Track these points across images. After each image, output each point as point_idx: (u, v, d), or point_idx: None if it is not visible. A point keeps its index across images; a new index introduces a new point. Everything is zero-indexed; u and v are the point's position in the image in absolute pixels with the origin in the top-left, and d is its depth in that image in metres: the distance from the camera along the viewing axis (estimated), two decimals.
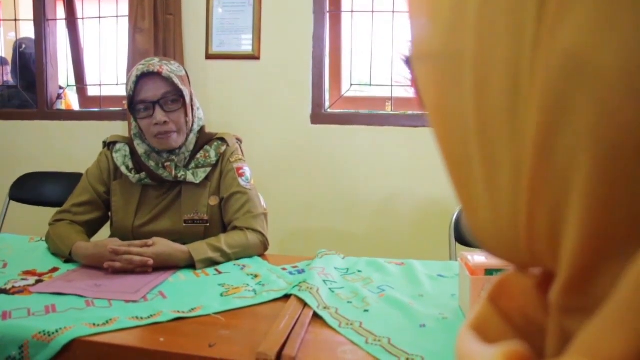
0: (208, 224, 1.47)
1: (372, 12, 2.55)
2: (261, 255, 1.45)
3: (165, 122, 1.39)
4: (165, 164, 1.45)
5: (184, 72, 1.48)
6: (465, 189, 0.25)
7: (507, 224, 0.23)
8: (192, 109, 1.49)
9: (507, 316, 0.29)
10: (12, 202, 2.13)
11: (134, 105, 1.41)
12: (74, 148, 2.76)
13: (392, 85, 2.57)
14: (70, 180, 2.03)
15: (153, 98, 1.39)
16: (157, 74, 1.39)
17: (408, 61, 0.28)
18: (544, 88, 0.19)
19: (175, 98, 1.42)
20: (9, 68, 3.09)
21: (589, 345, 0.19)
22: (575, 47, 0.18)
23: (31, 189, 2.17)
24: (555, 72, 0.18)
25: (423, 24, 0.25)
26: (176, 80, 1.40)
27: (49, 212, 1.55)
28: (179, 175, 1.45)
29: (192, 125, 1.49)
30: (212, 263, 1.34)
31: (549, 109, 0.19)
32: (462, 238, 1.77)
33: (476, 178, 0.24)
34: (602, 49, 0.17)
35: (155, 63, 1.40)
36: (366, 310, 1.06)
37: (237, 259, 1.39)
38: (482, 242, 0.26)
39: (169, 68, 1.42)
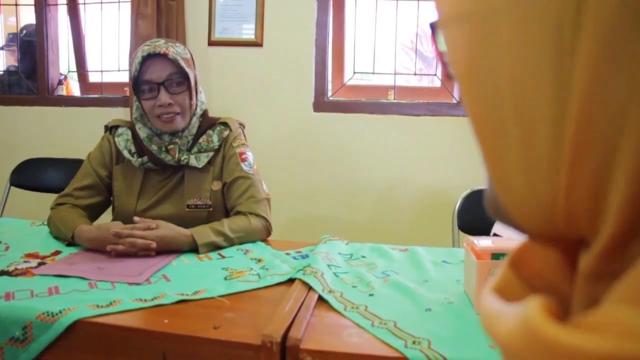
0: (211, 209, 1.47)
1: None
2: (264, 240, 1.45)
3: (169, 104, 1.38)
4: (169, 147, 1.44)
5: (189, 55, 1.47)
6: (495, 154, 0.24)
7: (543, 187, 0.22)
8: (196, 92, 1.47)
9: (528, 281, 0.28)
10: (12, 187, 2.12)
11: (138, 85, 1.40)
12: (74, 134, 2.74)
13: (395, 74, 2.56)
14: (71, 166, 2.03)
15: (158, 79, 1.38)
16: (163, 56, 1.38)
17: (433, 27, 0.27)
18: (596, 32, 0.18)
19: (181, 80, 1.41)
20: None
21: (628, 291, 0.18)
22: None
23: (32, 174, 2.16)
24: (609, 14, 0.17)
25: None
26: (182, 63, 1.39)
27: (50, 198, 1.54)
28: (182, 158, 1.44)
29: (196, 108, 1.48)
30: (215, 247, 1.33)
31: (599, 56, 0.18)
32: (465, 226, 1.76)
33: (509, 141, 0.23)
34: None
35: (161, 44, 1.39)
36: (371, 295, 1.05)
37: (240, 243, 1.39)
38: (512, 211, 0.25)
39: (175, 50, 1.41)
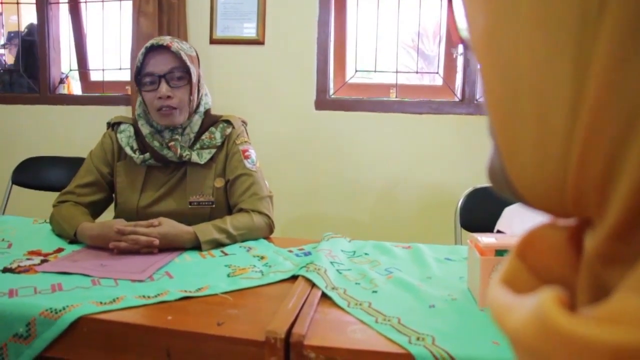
0: (213, 206, 1.46)
1: None
2: (267, 238, 1.44)
3: (168, 97, 1.39)
4: (170, 144, 1.44)
5: (194, 53, 1.48)
6: (508, 129, 0.24)
7: (554, 165, 0.22)
8: (198, 90, 1.48)
9: (535, 270, 0.28)
10: (14, 186, 2.12)
11: (140, 77, 1.41)
12: (76, 133, 2.75)
13: (396, 72, 2.55)
14: (73, 164, 2.03)
15: (160, 72, 1.40)
16: (166, 48, 1.39)
17: None
18: (620, 13, 0.17)
19: (182, 74, 1.42)
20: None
21: None
22: None
23: (33, 173, 2.16)
24: None
25: None
26: (184, 57, 1.41)
27: (51, 197, 1.54)
28: (184, 154, 1.44)
29: (199, 107, 1.48)
30: (218, 244, 1.33)
31: (622, 37, 0.17)
32: (467, 223, 1.76)
33: (524, 117, 0.22)
34: None
35: (166, 39, 1.42)
36: (374, 291, 1.05)
37: (243, 240, 1.39)
38: (521, 188, 0.25)
39: (180, 45, 1.42)
